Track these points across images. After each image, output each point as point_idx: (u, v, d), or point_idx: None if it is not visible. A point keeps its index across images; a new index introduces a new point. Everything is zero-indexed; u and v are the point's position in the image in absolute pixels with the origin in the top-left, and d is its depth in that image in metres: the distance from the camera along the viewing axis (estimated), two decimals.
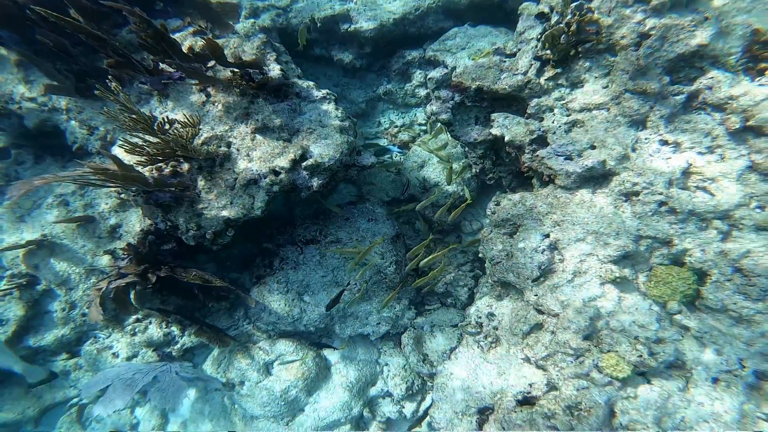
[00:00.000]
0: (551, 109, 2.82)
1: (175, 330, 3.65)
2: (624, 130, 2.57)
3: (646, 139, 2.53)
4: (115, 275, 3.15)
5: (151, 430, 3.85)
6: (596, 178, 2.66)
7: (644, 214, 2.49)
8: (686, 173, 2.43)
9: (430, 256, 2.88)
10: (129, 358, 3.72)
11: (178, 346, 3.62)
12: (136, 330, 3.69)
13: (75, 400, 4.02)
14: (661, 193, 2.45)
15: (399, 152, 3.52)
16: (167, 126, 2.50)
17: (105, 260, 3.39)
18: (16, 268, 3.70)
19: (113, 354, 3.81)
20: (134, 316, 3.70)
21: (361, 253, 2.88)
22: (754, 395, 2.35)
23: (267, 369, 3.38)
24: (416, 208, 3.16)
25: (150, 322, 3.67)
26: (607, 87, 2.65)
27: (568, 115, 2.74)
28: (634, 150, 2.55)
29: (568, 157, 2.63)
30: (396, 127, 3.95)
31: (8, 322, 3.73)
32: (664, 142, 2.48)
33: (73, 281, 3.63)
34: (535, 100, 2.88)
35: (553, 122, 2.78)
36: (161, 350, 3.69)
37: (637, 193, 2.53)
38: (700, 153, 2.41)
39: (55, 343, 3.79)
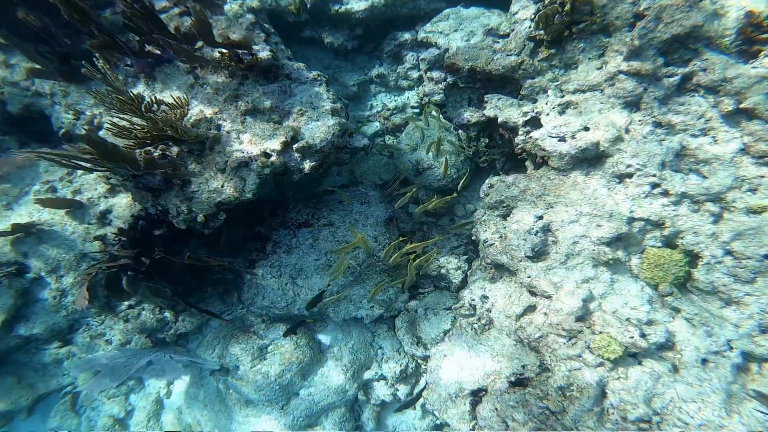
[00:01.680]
0: (545, 91, 2.80)
1: (168, 316, 3.63)
2: (618, 111, 2.56)
3: (639, 120, 2.52)
4: (107, 259, 3.11)
5: (146, 419, 3.85)
6: (590, 159, 2.65)
7: (637, 196, 2.49)
8: (679, 155, 2.43)
9: (419, 248, 2.89)
10: (122, 345, 3.71)
11: (172, 331, 3.60)
12: (129, 316, 3.66)
13: (69, 388, 4.01)
14: (654, 175, 2.45)
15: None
16: (155, 107, 2.44)
17: (95, 246, 3.34)
18: (4, 256, 3.64)
19: (106, 341, 3.80)
20: (127, 303, 3.68)
21: (340, 256, 2.90)
22: (740, 376, 2.39)
23: (261, 353, 3.38)
24: (396, 205, 3.18)
25: (143, 309, 3.65)
26: (601, 68, 2.63)
27: (561, 97, 2.72)
28: (627, 132, 2.54)
29: (562, 139, 2.61)
30: (388, 110, 3.90)
31: None
32: (658, 124, 2.47)
33: (63, 268, 3.59)
34: (528, 81, 2.85)
35: (546, 104, 2.76)
36: (155, 336, 3.67)
37: (630, 175, 2.53)
38: (693, 135, 2.41)
39: (47, 331, 3.76)
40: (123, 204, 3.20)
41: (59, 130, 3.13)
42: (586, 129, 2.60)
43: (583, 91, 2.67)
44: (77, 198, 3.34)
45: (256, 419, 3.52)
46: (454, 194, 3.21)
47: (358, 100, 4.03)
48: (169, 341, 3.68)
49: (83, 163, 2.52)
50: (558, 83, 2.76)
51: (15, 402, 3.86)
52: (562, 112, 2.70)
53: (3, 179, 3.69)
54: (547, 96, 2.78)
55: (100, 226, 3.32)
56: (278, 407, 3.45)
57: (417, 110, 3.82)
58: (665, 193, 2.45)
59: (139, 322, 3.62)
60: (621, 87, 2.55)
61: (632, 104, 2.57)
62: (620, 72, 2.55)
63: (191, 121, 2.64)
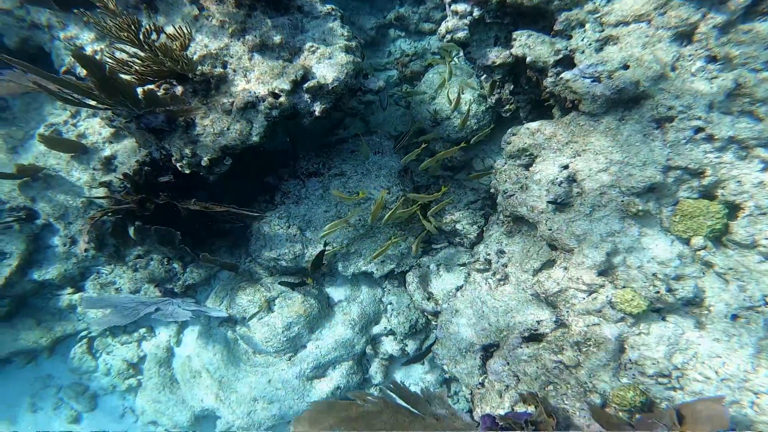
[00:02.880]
0: (582, 25, 2.51)
1: (176, 266, 3.62)
2: (665, 45, 2.28)
3: (689, 56, 2.24)
4: (112, 204, 3.05)
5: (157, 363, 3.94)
6: (626, 102, 2.40)
7: (676, 141, 2.27)
8: (731, 95, 2.16)
9: (435, 207, 2.74)
10: (132, 293, 3.74)
11: (180, 282, 3.60)
12: (138, 266, 3.66)
13: (84, 333, 4.12)
14: (699, 118, 2.20)
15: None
16: (155, 35, 2.26)
17: (101, 192, 3.28)
18: (13, 201, 3.63)
19: (116, 289, 3.83)
20: (135, 253, 3.67)
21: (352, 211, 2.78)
22: None
23: (269, 305, 3.36)
24: (401, 162, 2.99)
25: (151, 259, 3.64)
26: None
27: (601, 31, 2.44)
28: (673, 69, 2.27)
29: (596, 79, 2.36)
30: (407, 56, 3.64)
31: (11, 255, 3.73)
32: (712, 59, 2.19)
33: (71, 215, 3.57)
34: (564, 14, 2.56)
35: (582, 40, 2.49)
36: (163, 286, 3.68)
37: (671, 119, 2.28)
38: (753, 70, 2.13)
39: (59, 277, 3.81)
40: (128, 149, 3.10)
41: (60, 68, 2.99)
42: (626, 67, 2.33)
43: (627, 23, 2.38)
44: (82, 142, 3.25)
45: (264, 369, 3.56)
46: (463, 144, 3.01)
47: (375, 45, 3.76)
48: (177, 292, 3.70)
49: (78, 97, 2.39)
50: (598, 15, 2.47)
51: (36, 342, 4.00)
52: (599, 49, 2.43)
53: (8, 121, 3.62)
54: (584, 31, 2.50)
55: (105, 172, 3.25)
56: (286, 358, 3.48)
57: (438, 56, 3.56)
58: (709, 138, 2.22)
59: (148, 272, 3.62)
60: (674, 15, 2.25)
61: (684, 36, 2.28)
62: None
63: (196, 57, 2.47)
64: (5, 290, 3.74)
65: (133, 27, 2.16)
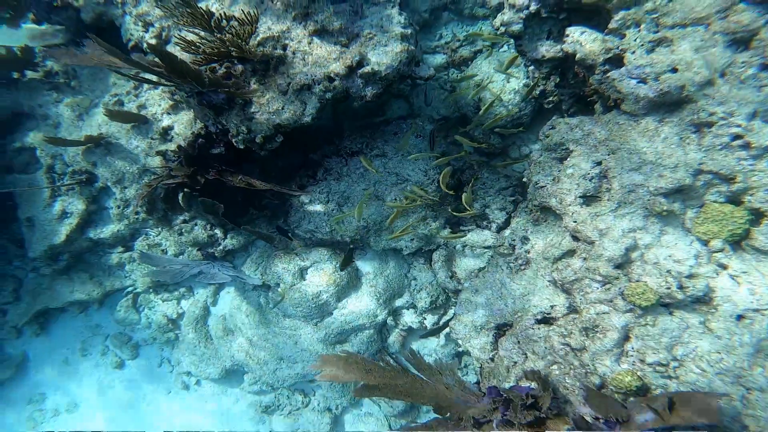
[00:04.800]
0: (638, 24, 2.54)
1: (218, 233, 3.95)
2: (719, 50, 2.30)
3: (742, 62, 2.26)
4: (166, 175, 3.34)
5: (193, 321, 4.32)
6: (668, 105, 2.47)
7: (712, 147, 2.35)
8: None
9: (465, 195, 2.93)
10: (176, 255, 4.10)
11: (221, 247, 3.94)
12: (183, 230, 4.00)
13: (130, 288, 4.55)
14: (739, 126, 2.27)
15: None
16: (224, 23, 2.48)
17: (156, 161, 3.59)
18: (77, 165, 4.00)
19: (162, 250, 4.21)
20: (181, 218, 4.00)
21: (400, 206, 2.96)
22: None
23: (302, 274, 3.68)
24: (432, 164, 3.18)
25: (196, 224, 3.97)
26: None
27: (655, 32, 2.46)
28: (722, 75, 2.30)
29: (642, 81, 2.42)
30: (458, 41, 3.64)
31: (72, 214, 4.13)
32: (765, 67, 2.21)
33: (127, 180, 3.91)
34: (622, 13, 2.58)
35: (635, 40, 2.52)
36: (205, 250, 4.03)
37: (711, 124, 2.35)
38: None
39: (112, 237, 4.20)
40: (184, 121, 3.37)
41: (128, 43, 3.25)
42: (674, 71, 2.37)
43: (684, 26, 2.38)
44: (142, 113, 3.56)
45: (291, 332, 3.91)
46: (483, 144, 3.10)
47: (427, 27, 3.75)
48: (217, 256, 4.04)
49: (151, 77, 2.66)
50: (656, 15, 2.48)
51: (89, 294, 4.45)
52: (650, 50, 2.46)
53: (75, 90, 3.95)
54: (638, 31, 2.52)
55: (161, 141, 3.55)
56: (312, 323, 3.81)
57: (487, 43, 3.53)
58: (746, 146, 2.29)
59: (192, 236, 3.96)
60: (735, 20, 2.25)
61: (740, 42, 2.30)
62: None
63: (258, 39, 2.62)
64: (66, 246, 4.16)
65: (205, 17, 2.39)
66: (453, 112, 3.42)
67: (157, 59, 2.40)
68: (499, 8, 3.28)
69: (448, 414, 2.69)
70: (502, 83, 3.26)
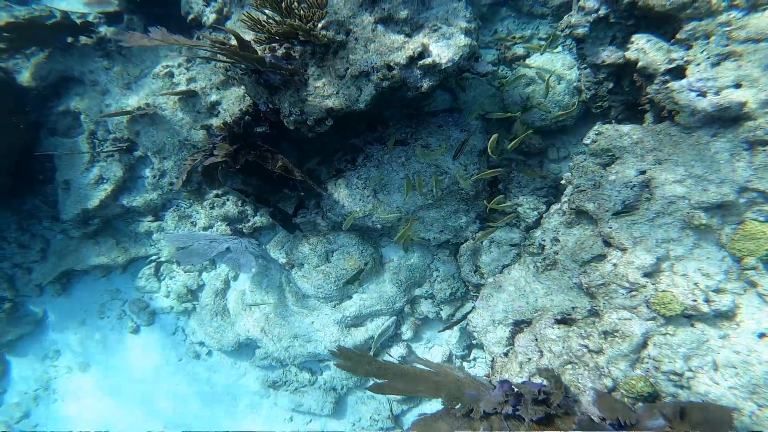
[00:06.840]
0: (707, 36, 2.51)
1: (248, 209, 4.07)
2: None
3: None
4: (209, 151, 3.45)
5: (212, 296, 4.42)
6: (724, 120, 2.48)
7: (763, 165, 2.38)
8: None
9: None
10: (205, 228, 4.23)
11: (250, 224, 4.05)
12: (215, 204, 4.12)
13: (154, 257, 4.66)
14: None
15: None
16: (295, 4, 2.55)
17: (200, 135, 3.72)
18: (119, 132, 4.13)
19: (192, 223, 4.33)
20: (214, 192, 4.13)
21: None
22: None
23: (327, 256, 3.78)
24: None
25: (227, 199, 4.09)
26: None
27: (725, 45, 2.44)
28: None
29: (702, 94, 2.42)
30: (513, 38, 3.59)
31: (109, 180, 4.25)
32: None
33: (167, 151, 4.03)
34: (693, 24, 2.55)
35: (702, 52, 2.50)
36: (234, 226, 4.15)
37: (765, 143, 2.37)
38: None
39: (144, 205, 4.31)
40: (232, 98, 3.49)
41: (188, 16, 3.34)
42: (738, 86, 2.37)
43: (757, 41, 2.34)
44: (191, 87, 3.69)
45: (309, 311, 4.01)
46: (531, 131, 3.05)
47: (483, 21, 3.68)
48: (245, 232, 4.15)
49: (209, 54, 2.74)
50: (729, 28, 2.45)
51: (114, 259, 4.56)
52: (716, 64, 2.45)
53: (126, 58, 4.09)
54: (708, 43, 2.49)
55: (208, 116, 3.66)
56: (331, 305, 3.91)
57: (543, 41, 3.52)
58: None
59: (223, 211, 4.07)
60: None
61: None
62: None
63: (322, 22, 2.63)
64: (99, 211, 4.28)
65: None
66: (499, 109, 3.41)
67: (218, 36, 2.50)
68: (561, 7, 3.30)
69: (458, 405, 2.76)
70: (554, 82, 3.28)
